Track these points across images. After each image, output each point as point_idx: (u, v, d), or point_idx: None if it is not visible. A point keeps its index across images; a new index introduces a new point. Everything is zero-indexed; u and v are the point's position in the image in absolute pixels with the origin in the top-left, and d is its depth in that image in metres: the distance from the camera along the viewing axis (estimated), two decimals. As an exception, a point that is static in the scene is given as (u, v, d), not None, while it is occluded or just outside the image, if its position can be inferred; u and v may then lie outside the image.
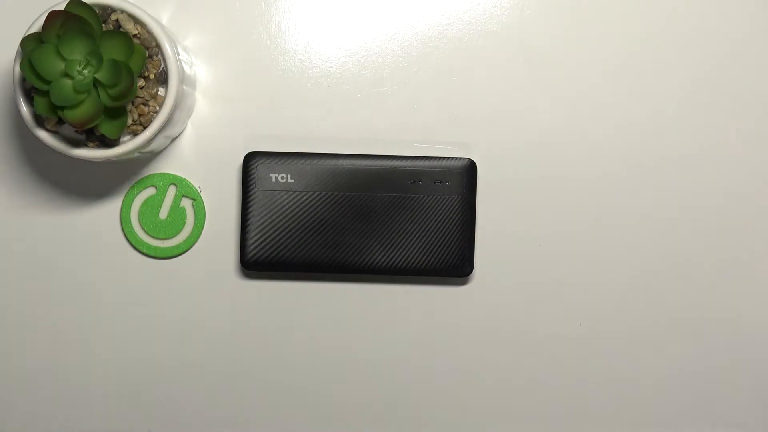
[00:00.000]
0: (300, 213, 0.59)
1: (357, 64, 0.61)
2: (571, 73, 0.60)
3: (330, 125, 0.60)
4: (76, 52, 0.50)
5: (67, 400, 0.61)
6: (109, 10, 0.53)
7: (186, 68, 0.56)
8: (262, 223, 0.58)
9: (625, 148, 0.61)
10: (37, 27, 0.52)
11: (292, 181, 0.59)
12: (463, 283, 0.61)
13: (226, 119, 0.60)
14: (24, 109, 0.53)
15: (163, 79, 0.54)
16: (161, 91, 0.55)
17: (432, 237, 0.59)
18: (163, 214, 0.60)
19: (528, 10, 0.60)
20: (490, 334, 0.61)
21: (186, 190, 0.60)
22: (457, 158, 0.59)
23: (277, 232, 0.58)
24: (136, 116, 0.53)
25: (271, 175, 0.59)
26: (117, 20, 0.53)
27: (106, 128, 0.52)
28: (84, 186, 0.61)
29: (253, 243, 0.58)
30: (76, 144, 0.54)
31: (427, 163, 0.59)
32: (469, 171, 0.59)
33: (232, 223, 0.61)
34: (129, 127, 0.53)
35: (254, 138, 0.60)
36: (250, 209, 0.58)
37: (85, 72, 0.50)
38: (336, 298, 0.61)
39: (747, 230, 0.61)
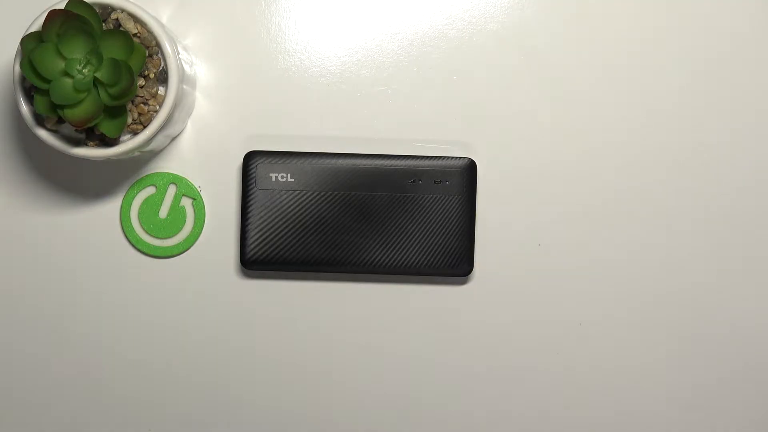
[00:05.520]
0: (300, 212, 0.59)
1: (357, 64, 0.61)
2: (571, 73, 0.60)
3: (330, 125, 0.60)
4: (76, 51, 0.50)
5: (67, 399, 0.61)
6: (109, 9, 0.53)
7: (186, 67, 0.56)
8: (262, 223, 0.58)
9: (625, 148, 0.61)
10: (37, 26, 0.52)
11: (292, 180, 0.59)
12: (463, 282, 0.61)
13: (226, 119, 0.60)
14: (24, 108, 0.53)
15: (163, 78, 0.54)
16: (161, 90, 0.55)
17: (432, 236, 0.59)
18: (163, 213, 0.60)
19: (528, 10, 0.60)
20: (490, 333, 0.61)
21: (186, 189, 0.60)
22: (457, 158, 0.59)
23: (277, 232, 0.58)
24: (136, 115, 0.53)
25: (271, 174, 0.59)
26: (117, 19, 0.53)
27: (105, 127, 0.52)
28: (84, 185, 0.61)
29: (253, 242, 0.58)
30: (76, 143, 0.54)
31: (427, 162, 0.59)
32: (469, 171, 0.59)
33: (232, 222, 0.61)
34: (129, 126, 0.53)
35: (254, 137, 0.60)
36: (250, 208, 0.59)
37: (85, 71, 0.50)
38: (336, 298, 0.61)
39: (749, 230, 0.61)
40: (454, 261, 0.59)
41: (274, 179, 0.59)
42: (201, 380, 0.61)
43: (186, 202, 0.60)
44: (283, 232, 0.58)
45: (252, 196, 0.59)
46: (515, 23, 0.60)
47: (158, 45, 0.54)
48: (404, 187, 0.59)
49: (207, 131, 0.60)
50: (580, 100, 0.60)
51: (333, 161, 0.59)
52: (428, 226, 0.59)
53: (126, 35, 0.51)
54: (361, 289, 0.61)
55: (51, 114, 0.51)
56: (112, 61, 0.50)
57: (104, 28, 0.53)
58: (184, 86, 0.55)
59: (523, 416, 0.61)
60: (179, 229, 0.60)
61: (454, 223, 0.59)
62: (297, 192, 0.59)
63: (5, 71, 0.59)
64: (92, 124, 0.51)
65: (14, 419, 0.61)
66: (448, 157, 0.59)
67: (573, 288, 0.61)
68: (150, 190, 0.60)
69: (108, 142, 0.54)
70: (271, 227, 0.58)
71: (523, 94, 0.60)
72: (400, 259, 0.59)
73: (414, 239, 0.59)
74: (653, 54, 0.60)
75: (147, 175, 0.60)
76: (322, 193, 0.59)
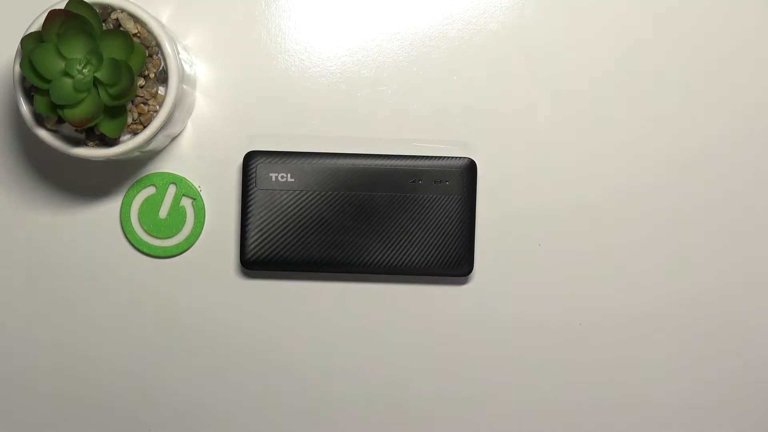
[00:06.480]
0: (300, 212, 0.59)
1: (357, 64, 0.61)
2: (571, 73, 0.60)
3: (330, 125, 0.60)
4: (76, 51, 0.50)
5: (68, 399, 0.61)
6: (109, 9, 0.53)
7: (186, 67, 0.56)
8: (262, 223, 0.59)
9: (625, 148, 0.61)
10: (37, 26, 0.52)
11: (292, 180, 0.59)
12: (463, 282, 0.61)
13: (226, 118, 0.60)
14: (24, 108, 0.53)
15: (163, 78, 0.54)
16: (161, 90, 0.55)
17: (432, 236, 0.59)
18: (163, 213, 0.60)
19: (528, 10, 0.60)
20: (490, 333, 0.61)
21: (186, 189, 0.60)
22: (457, 158, 0.59)
23: (277, 232, 0.58)
24: (136, 115, 0.53)
25: (271, 174, 0.59)
26: (117, 19, 0.53)
27: (105, 127, 0.52)
28: (84, 185, 0.61)
29: (253, 242, 0.58)
30: (76, 143, 0.54)
31: (427, 162, 0.59)
32: (469, 171, 0.59)
33: (232, 222, 0.61)
34: (129, 126, 0.53)
35: (254, 137, 0.60)
36: (250, 208, 0.59)
37: (85, 71, 0.50)
38: (336, 298, 0.61)
39: (749, 230, 0.61)
40: (454, 261, 0.59)
41: (274, 179, 0.59)
42: (200, 380, 0.61)
43: (186, 202, 0.60)
44: (283, 233, 0.58)
45: (252, 196, 0.59)
46: (515, 23, 0.60)
47: (158, 45, 0.53)
48: (404, 187, 0.59)
49: (207, 131, 0.60)
50: (579, 100, 0.60)
51: (333, 161, 0.59)
52: (428, 226, 0.59)
53: (126, 35, 0.51)
54: (361, 289, 0.61)
55: (51, 114, 0.51)
56: (112, 61, 0.50)
57: (104, 28, 0.53)
58: (184, 86, 0.55)
59: (522, 416, 0.61)
60: (179, 229, 0.60)
61: (454, 223, 0.59)
62: (297, 192, 0.59)
63: (5, 71, 0.60)
64: (92, 124, 0.51)
65: (14, 419, 0.61)
66: (448, 157, 0.59)
67: (573, 288, 0.61)
68: (150, 190, 0.60)
69: (108, 142, 0.54)
70: (271, 227, 0.58)
71: (523, 94, 0.60)
72: (400, 259, 0.59)
73: (414, 239, 0.59)
74: (653, 54, 0.60)
75: (147, 175, 0.60)
76: (322, 193, 0.59)
